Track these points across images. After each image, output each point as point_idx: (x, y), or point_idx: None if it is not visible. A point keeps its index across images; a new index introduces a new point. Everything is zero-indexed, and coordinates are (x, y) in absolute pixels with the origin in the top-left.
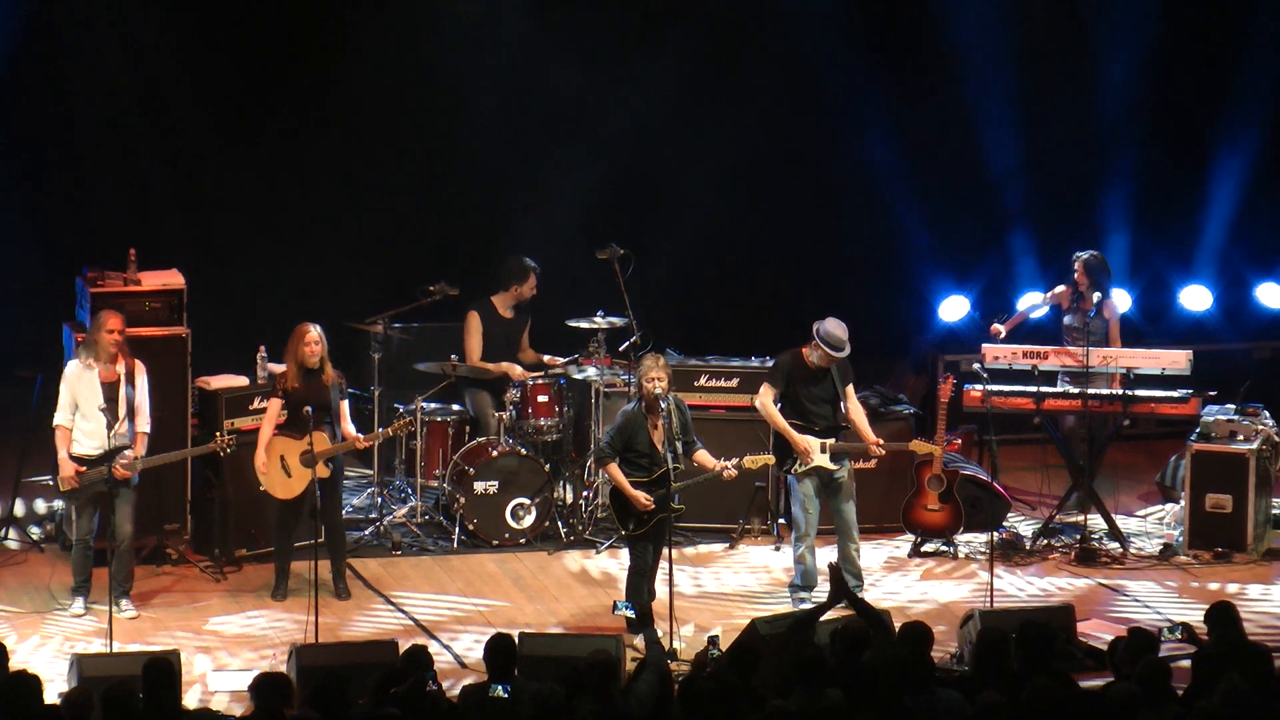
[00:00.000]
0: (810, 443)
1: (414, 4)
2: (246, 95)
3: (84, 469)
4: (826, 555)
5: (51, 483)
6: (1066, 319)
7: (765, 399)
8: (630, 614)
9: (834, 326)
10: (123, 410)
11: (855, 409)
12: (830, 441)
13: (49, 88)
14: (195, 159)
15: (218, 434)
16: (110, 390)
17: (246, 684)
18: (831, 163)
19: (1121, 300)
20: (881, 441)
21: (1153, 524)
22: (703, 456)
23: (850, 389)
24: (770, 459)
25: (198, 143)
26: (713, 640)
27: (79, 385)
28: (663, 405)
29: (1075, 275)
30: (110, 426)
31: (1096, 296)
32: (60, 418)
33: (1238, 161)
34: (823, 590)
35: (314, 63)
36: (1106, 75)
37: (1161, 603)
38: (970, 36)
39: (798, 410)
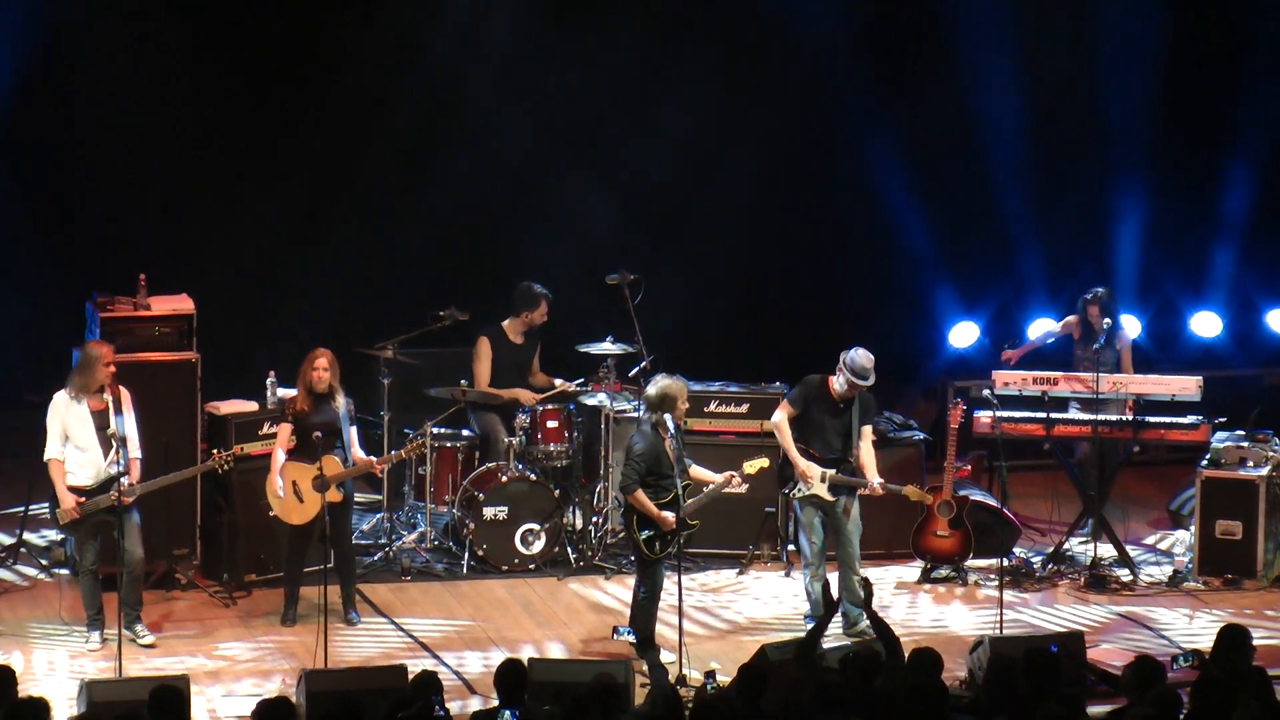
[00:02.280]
0: (811, 469)
1: (429, 31)
2: (258, 120)
3: (83, 500)
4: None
5: (50, 516)
6: (1078, 349)
7: (780, 417)
8: (631, 639)
9: (861, 355)
10: (119, 436)
11: (866, 449)
12: (832, 473)
13: (59, 114)
14: (205, 184)
15: (215, 451)
16: (101, 419)
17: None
18: (842, 188)
19: (1132, 326)
20: (882, 482)
21: (1149, 552)
22: (697, 471)
23: (868, 429)
24: (765, 461)
25: (208, 168)
26: (709, 675)
27: (69, 417)
28: (671, 426)
29: (1087, 314)
30: (108, 454)
31: (1106, 323)
32: (52, 451)
33: (1248, 187)
34: (837, 622)
35: (325, 88)
36: (1117, 101)
37: (1172, 630)
38: (981, 65)
39: (808, 436)
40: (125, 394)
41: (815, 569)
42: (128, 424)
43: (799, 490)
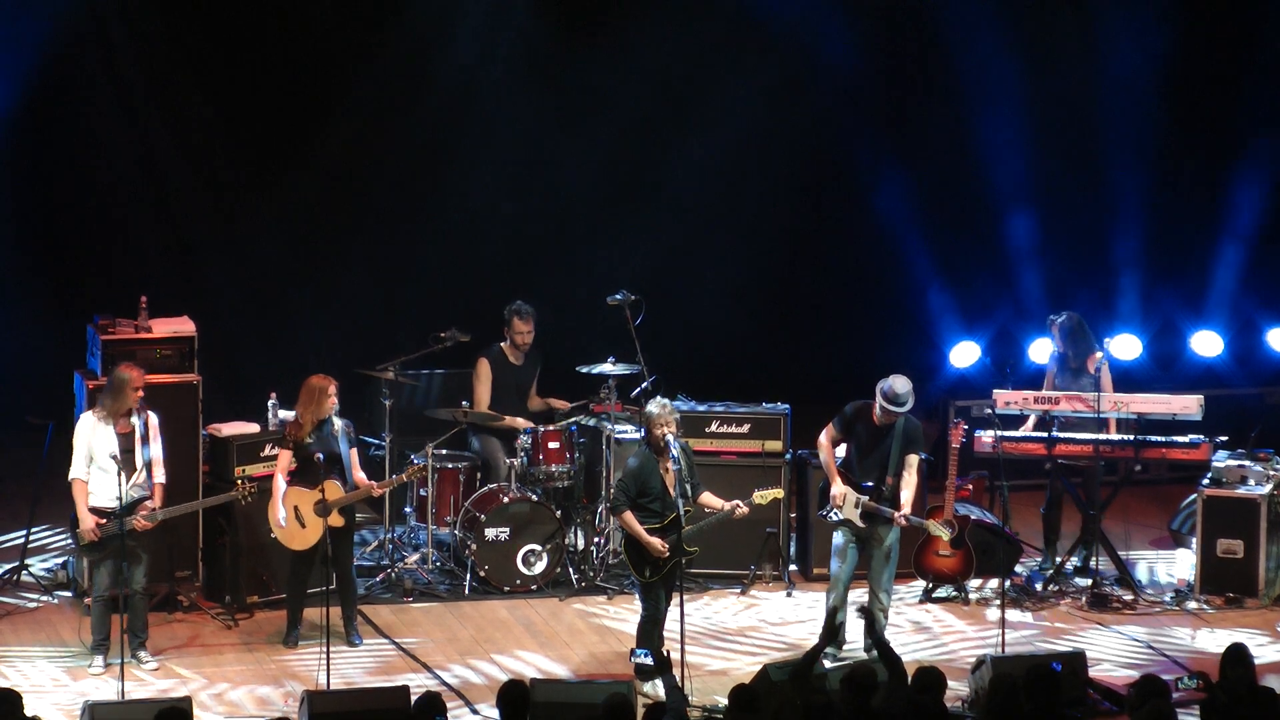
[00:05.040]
0: (847, 495)
1: (437, 52)
2: (259, 146)
3: (104, 521)
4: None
5: (70, 537)
6: (1057, 380)
7: (824, 439)
8: (648, 661)
9: (896, 382)
10: (139, 462)
11: (907, 480)
12: (865, 499)
13: (61, 137)
14: (207, 207)
15: (239, 482)
16: (126, 442)
17: None
18: (843, 210)
19: (1131, 347)
20: (908, 514)
21: (1155, 567)
22: (707, 497)
23: (912, 458)
24: (779, 492)
25: (210, 191)
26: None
27: (95, 438)
28: (673, 450)
29: (1056, 340)
30: (127, 478)
31: (1107, 345)
32: (76, 471)
33: (1249, 207)
34: (851, 645)
35: (328, 110)
36: (1118, 123)
37: (1174, 649)
38: (984, 88)
39: (850, 461)
40: (154, 418)
41: (837, 593)
42: (155, 450)
43: (833, 515)
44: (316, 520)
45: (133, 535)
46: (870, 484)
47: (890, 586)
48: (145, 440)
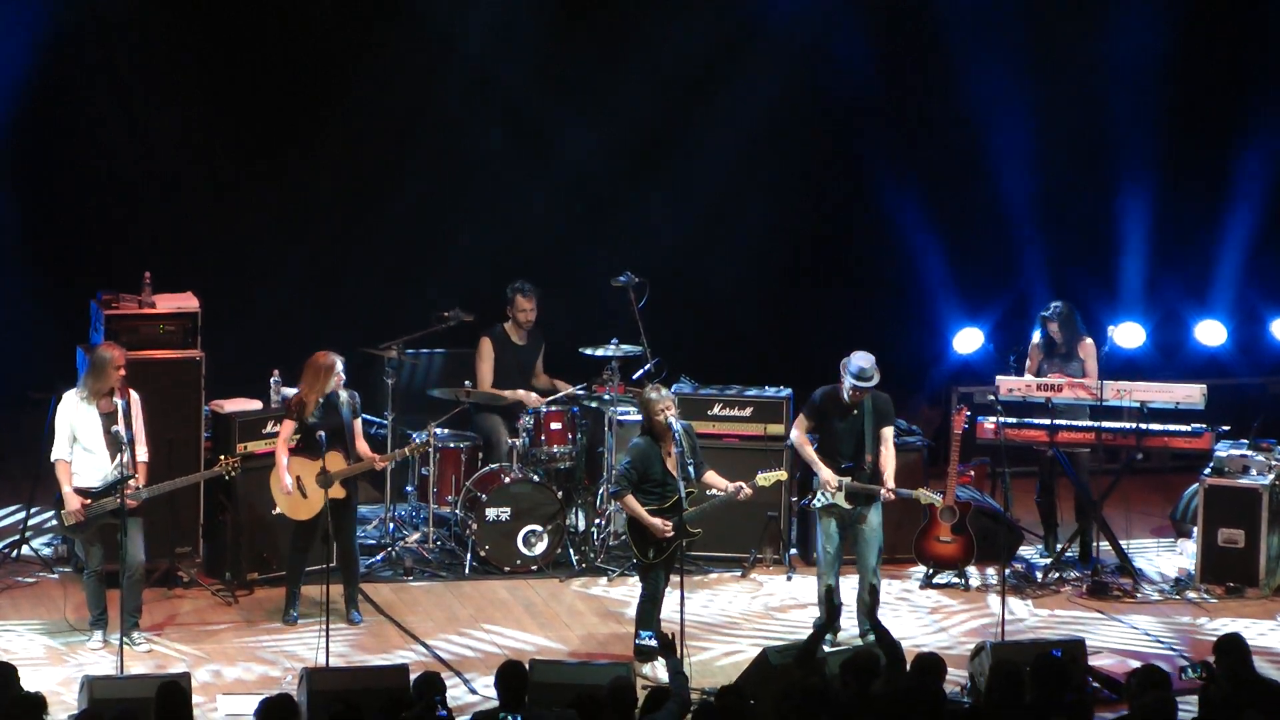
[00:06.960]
0: (832, 478)
1: (433, 38)
2: (263, 121)
3: (89, 502)
4: (847, 589)
5: (55, 517)
6: (1045, 368)
7: (797, 429)
8: (653, 643)
9: (859, 357)
10: (123, 440)
11: (886, 453)
12: (848, 480)
13: (66, 112)
14: (211, 182)
15: (222, 457)
16: (109, 421)
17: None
18: (848, 196)
19: (1135, 335)
20: (894, 488)
21: (1162, 554)
22: (712, 477)
23: (887, 432)
24: (783, 474)
25: (214, 166)
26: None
27: (78, 419)
28: (675, 432)
29: (1047, 330)
30: (115, 456)
31: (1086, 342)
32: (59, 452)
33: (1253, 197)
34: (845, 631)
35: (331, 88)
36: (1122, 111)
37: (1175, 638)
38: (987, 75)
39: (824, 446)
40: (135, 397)
41: (825, 576)
42: (136, 428)
43: (819, 500)
44: (318, 491)
45: (118, 514)
46: (848, 465)
47: (878, 567)
48: (127, 419)
